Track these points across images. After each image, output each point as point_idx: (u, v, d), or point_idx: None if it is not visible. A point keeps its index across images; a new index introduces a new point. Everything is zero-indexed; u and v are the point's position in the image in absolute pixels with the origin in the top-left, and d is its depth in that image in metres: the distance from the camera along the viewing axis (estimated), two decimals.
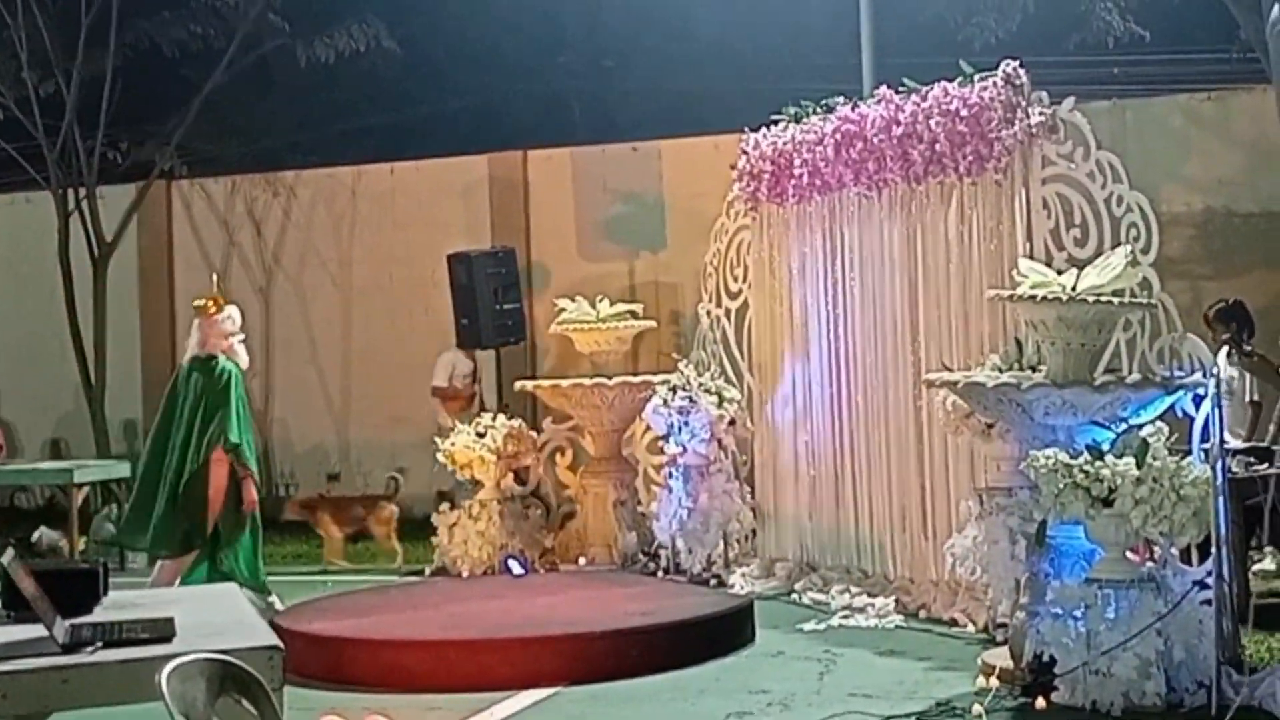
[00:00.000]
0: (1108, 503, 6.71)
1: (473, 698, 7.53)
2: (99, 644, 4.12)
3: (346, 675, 7.80)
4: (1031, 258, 8.14)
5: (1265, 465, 8.57)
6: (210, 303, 10.08)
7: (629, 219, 14.47)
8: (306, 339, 15.79)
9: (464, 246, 13.46)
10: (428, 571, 11.75)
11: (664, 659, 8.04)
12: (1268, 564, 9.62)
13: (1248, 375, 9.87)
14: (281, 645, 4.18)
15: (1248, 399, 9.87)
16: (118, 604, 4.78)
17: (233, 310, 10.15)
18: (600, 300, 11.64)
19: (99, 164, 14.96)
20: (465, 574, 11.32)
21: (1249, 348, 9.93)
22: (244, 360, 10.15)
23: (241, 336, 10.13)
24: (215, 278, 11.17)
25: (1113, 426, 7.28)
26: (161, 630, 4.29)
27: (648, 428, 11.41)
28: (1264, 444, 9.20)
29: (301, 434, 15.89)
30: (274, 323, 15.93)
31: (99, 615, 4.58)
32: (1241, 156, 12.27)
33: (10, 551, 4.47)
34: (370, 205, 15.62)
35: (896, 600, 9.34)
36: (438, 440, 11.78)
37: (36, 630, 4.33)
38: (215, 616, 4.68)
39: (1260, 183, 12.12)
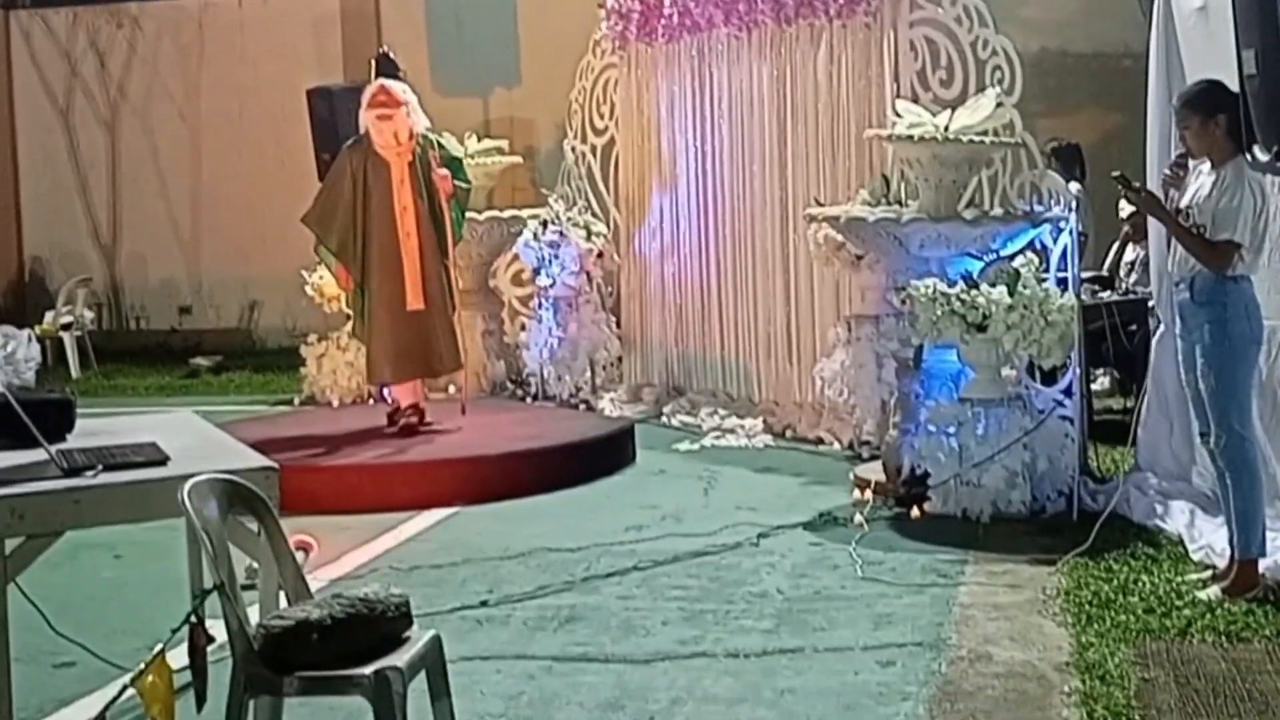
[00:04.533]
0: (981, 328, 7.26)
1: (377, 518, 7.91)
2: (99, 468, 4.37)
3: None
4: (899, 98, 8.59)
5: (1108, 292, 9.27)
6: None
7: (483, 54, 14.57)
8: (155, 173, 15.73)
9: (316, 81, 13.40)
10: (296, 401, 12.01)
11: (554, 479, 8.50)
12: (1101, 384, 10.34)
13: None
14: (276, 464, 4.49)
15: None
16: (87, 432, 4.99)
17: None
18: (468, 136, 11.82)
19: None
20: (335, 403, 11.60)
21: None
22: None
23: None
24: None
25: (981, 257, 7.82)
26: (152, 454, 4.56)
27: (513, 260, 11.74)
28: (1105, 273, 9.90)
29: (152, 268, 15.89)
30: (121, 157, 15.82)
31: (76, 442, 4.79)
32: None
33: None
34: (218, 38, 15.50)
35: (764, 421, 9.89)
36: (305, 273, 11.94)
37: (22, 457, 4.55)
38: (188, 440, 4.93)
39: (1094, 25, 12.67)
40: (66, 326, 14.22)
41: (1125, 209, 9.88)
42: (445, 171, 9.07)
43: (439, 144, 9.24)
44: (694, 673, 5.35)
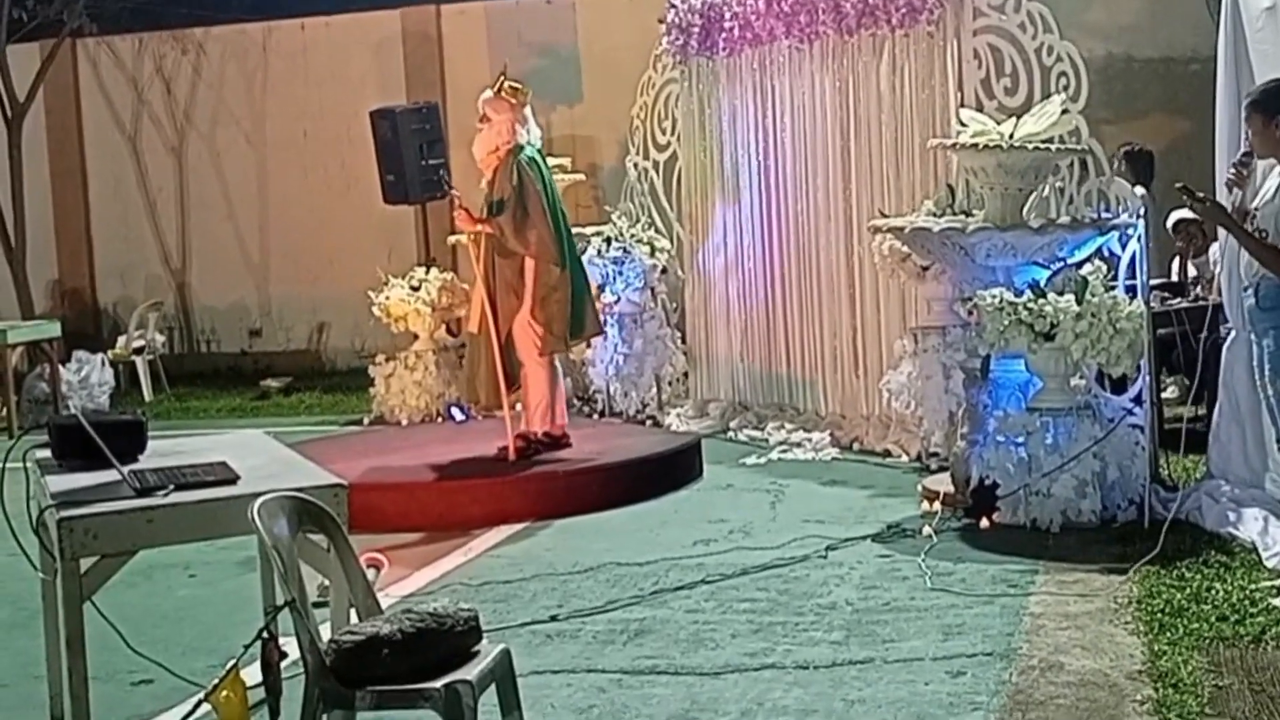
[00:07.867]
0: (1049, 337, 7.21)
1: (447, 534, 7.97)
2: (170, 487, 4.42)
3: None
4: (963, 107, 8.55)
5: (1178, 300, 9.19)
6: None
7: (544, 72, 14.62)
8: (222, 197, 15.86)
9: (379, 102, 13.43)
10: (366, 421, 12.10)
11: (622, 494, 8.52)
12: (1171, 392, 10.24)
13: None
14: (345, 482, 4.52)
15: None
16: (158, 453, 5.04)
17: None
18: None
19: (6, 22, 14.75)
20: (404, 422, 11.68)
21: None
22: None
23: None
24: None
25: (1049, 266, 7.77)
26: (223, 474, 4.61)
27: None
28: (1176, 280, 9.81)
29: (221, 291, 16.01)
30: (188, 182, 15.97)
31: (148, 463, 4.84)
32: (1142, 3, 12.70)
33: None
34: (282, 62, 15.62)
35: (830, 434, 9.86)
36: (371, 294, 12.03)
37: (95, 477, 4.61)
38: (258, 459, 4.98)
39: (1160, 29, 12.57)
40: (139, 350, 14.37)
41: (1173, 217, 9.80)
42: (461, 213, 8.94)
43: (520, 161, 8.84)
44: (763, 685, 5.34)
